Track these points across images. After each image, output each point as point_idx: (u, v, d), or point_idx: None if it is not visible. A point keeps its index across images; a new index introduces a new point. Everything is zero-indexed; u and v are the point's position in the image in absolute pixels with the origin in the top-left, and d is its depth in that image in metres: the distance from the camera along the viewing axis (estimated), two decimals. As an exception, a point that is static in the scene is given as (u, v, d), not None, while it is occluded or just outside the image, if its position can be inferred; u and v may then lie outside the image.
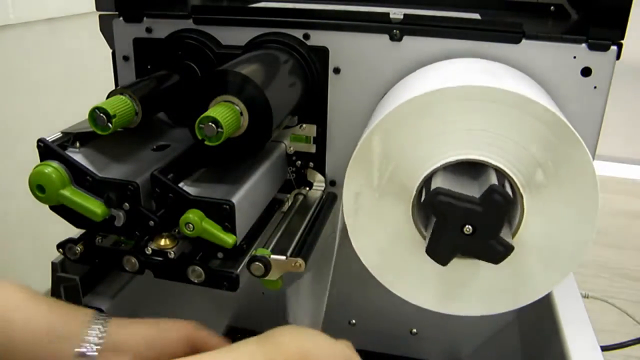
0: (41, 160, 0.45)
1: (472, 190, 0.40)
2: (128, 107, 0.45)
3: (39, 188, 0.44)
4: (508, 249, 0.40)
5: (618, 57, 0.49)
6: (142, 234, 0.46)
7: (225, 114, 0.42)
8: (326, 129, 0.57)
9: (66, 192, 0.44)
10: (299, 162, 0.58)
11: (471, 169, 0.43)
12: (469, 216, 0.39)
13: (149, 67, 0.58)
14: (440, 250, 0.41)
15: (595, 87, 0.49)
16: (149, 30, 0.57)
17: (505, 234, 0.40)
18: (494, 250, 0.40)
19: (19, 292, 0.43)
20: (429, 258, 0.44)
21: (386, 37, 0.52)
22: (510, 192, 0.40)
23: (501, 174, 0.41)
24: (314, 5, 0.64)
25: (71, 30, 1.09)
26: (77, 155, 0.45)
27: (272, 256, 0.47)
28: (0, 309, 0.41)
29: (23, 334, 0.41)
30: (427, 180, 0.43)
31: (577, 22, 0.60)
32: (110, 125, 0.43)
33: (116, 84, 0.61)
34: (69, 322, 0.43)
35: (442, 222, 0.40)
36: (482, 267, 0.44)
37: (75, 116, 0.51)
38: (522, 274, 0.44)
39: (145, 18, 0.57)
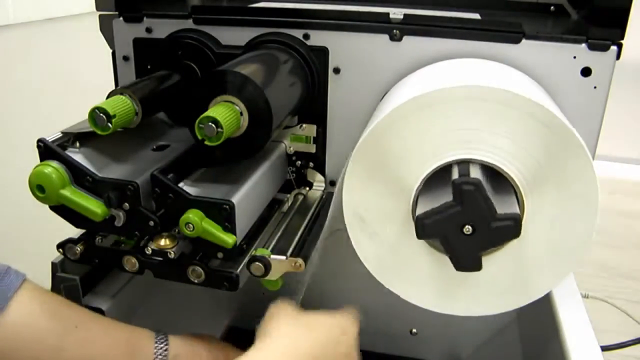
0: (41, 160, 0.45)
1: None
2: (128, 107, 0.45)
3: (39, 188, 0.44)
4: (515, 219, 0.39)
5: (618, 57, 0.49)
6: (142, 234, 0.46)
7: (225, 114, 0.42)
8: (326, 129, 0.57)
9: (66, 192, 0.44)
10: (299, 162, 0.58)
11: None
12: (457, 220, 0.39)
13: (149, 67, 0.58)
14: (465, 261, 0.41)
15: (595, 87, 0.49)
16: (149, 30, 0.57)
17: (508, 206, 0.40)
18: (503, 228, 0.39)
19: (99, 318, 0.48)
20: (428, 258, 0.44)
21: (386, 37, 0.52)
22: (479, 176, 0.39)
23: (466, 163, 0.41)
24: (314, 5, 0.64)
25: (71, 30, 1.09)
26: (77, 155, 0.45)
27: (272, 256, 0.47)
28: (87, 334, 0.46)
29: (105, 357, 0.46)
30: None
31: (577, 22, 0.60)
32: (110, 125, 0.43)
33: (116, 84, 0.61)
34: (139, 340, 0.48)
35: (445, 239, 0.40)
36: (482, 267, 0.44)
37: (75, 116, 0.51)
38: (522, 273, 0.44)
39: (145, 18, 0.57)
